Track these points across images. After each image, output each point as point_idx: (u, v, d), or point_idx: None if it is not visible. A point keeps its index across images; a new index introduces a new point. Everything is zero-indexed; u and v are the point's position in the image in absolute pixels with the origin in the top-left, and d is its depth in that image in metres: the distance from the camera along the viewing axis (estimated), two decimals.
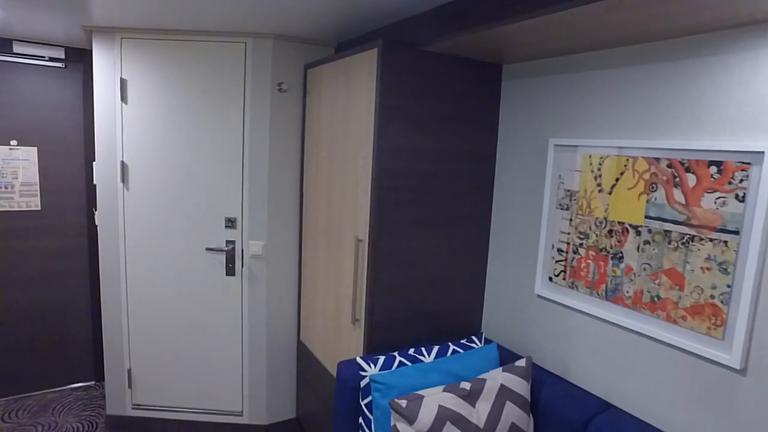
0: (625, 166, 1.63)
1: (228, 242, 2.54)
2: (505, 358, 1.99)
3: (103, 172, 2.47)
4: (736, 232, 1.38)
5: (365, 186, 1.94)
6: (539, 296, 1.98)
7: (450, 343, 1.97)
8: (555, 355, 1.91)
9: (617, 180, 1.65)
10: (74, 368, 3.21)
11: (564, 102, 1.85)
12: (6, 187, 2.82)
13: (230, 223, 2.53)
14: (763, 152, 1.31)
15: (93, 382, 3.28)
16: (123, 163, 2.46)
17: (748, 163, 1.35)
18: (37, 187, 2.91)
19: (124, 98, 2.40)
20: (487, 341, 2.10)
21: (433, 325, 2.13)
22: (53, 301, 3.07)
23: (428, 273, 2.07)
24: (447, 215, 2.07)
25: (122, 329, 2.61)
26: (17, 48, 2.73)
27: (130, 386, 2.65)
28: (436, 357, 1.90)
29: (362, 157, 1.96)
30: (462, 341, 2.00)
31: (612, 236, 1.68)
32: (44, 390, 3.15)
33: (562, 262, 1.87)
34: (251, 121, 2.45)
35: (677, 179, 1.49)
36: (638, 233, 1.60)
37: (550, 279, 1.92)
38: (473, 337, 2.04)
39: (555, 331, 1.92)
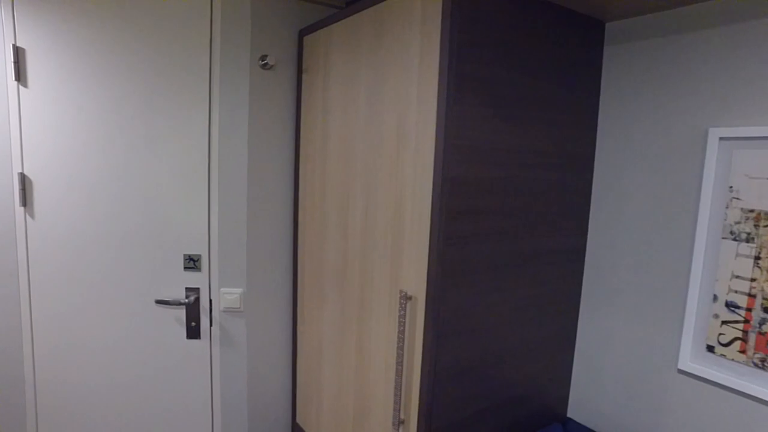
0: None
1: (189, 291, 1.73)
2: None
3: None
4: None
5: (418, 210, 1.19)
6: (685, 373, 1.28)
7: None
8: None
9: None
10: None
11: (737, 70, 1.16)
12: None
13: (192, 263, 1.72)
14: None
15: None
16: (23, 177, 1.62)
17: None
18: None
19: (20, 78, 1.57)
20: None
21: (512, 415, 1.40)
22: None
23: (510, 340, 1.34)
24: (536, 250, 1.35)
25: (26, 425, 1.75)
26: None
27: None
28: None
29: (411, 163, 1.21)
30: None
31: None
32: None
33: (740, 325, 1.17)
34: (222, 112, 1.66)
35: None
36: None
37: (711, 349, 1.23)
38: None
39: (714, 428, 1.22)
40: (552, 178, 1.36)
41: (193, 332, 1.76)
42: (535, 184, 1.32)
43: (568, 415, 1.57)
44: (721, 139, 1.19)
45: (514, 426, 1.41)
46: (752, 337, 1.15)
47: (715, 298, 1.21)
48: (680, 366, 1.28)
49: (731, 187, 1.17)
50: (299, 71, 1.76)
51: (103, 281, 1.69)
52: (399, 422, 1.27)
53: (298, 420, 1.88)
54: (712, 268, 1.21)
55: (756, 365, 1.15)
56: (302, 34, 1.73)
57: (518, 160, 1.27)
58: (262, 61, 1.69)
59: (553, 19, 1.28)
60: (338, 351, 1.57)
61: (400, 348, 1.24)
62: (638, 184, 1.37)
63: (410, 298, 1.22)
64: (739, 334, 1.17)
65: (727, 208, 1.18)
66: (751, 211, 1.14)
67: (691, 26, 1.24)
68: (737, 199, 1.17)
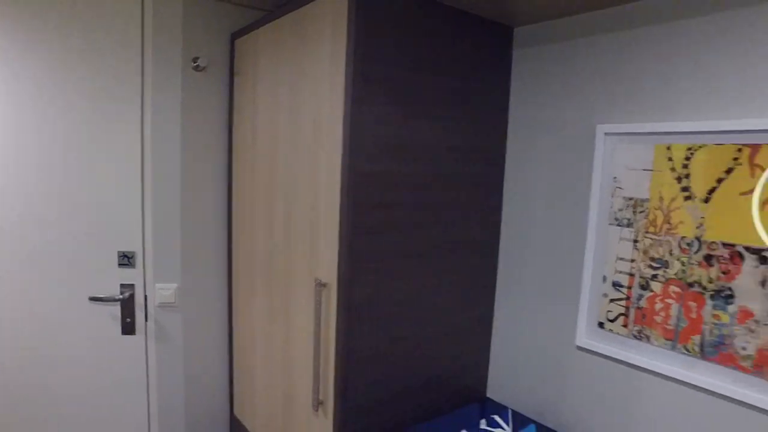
0: (736, 159, 1.08)
1: (124, 287, 1.77)
2: None
3: None
4: None
5: (330, 203, 1.27)
6: (582, 348, 1.40)
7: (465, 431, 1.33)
8: (608, 429, 1.34)
9: (720, 181, 1.10)
10: None
11: (620, 72, 1.29)
12: None
13: (126, 259, 1.76)
14: None
15: None
16: None
17: None
18: None
19: None
20: (517, 420, 1.48)
21: (430, 396, 1.49)
22: None
23: (425, 325, 1.43)
24: (452, 240, 1.45)
25: None
26: None
27: None
28: None
29: (324, 159, 1.29)
30: (483, 426, 1.38)
31: (711, 265, 1.13)
32: None
33: (622, 302, 1.30)
34: (154, 112, 1.71)
35: None
36: (763, 260, 1.05)
37: (601, 325, 1.35)
38: (496, 418, 1.42)
39: (610, 399, 1.34)
40: (465, 172, 1.46)
41: (128, 328, 1.79)
42: (448, 178, 1.42)
43: (488, 395, 1.67)
44: (606, 134, 1.31)
45: (433, 406, 1.51)
46: (632, 312, 1.27)
47: (605, 279, 1.33)
48: (578, 342, 1.40)
49: (615, 177, 1.30)
50: (232, 73, 1.82)
51: (35, 280, 1.71)
52: (318, 404, 1.35)
53: (236, 412, 1.93)
54: (602, 252, 1.34)
55: (635, 337, 1.27)
56: (234, 37, 1.80)
57: (430, 155, 1.36)
58: (194, 62, 1.74)
59: (462, 24, 1.38)
60: (268, 341, 1.63)
61: (317, 333, 1.32)
62: (542, 177, 1.49)
63: (325, 285, 1.30)
64: (623, 310, 1.29)
65: (612, 196, 1.31)
66: (630, 199, 1.27)
67: (584, 32, 1.37)
68: (620, 188, 1.29)
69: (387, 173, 1.27)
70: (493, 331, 1.65)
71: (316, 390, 1.34)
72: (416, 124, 1.32)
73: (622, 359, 1.30)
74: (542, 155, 1.48)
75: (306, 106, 1.37)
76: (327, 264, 1.29)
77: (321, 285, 1.30)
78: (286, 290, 1.50)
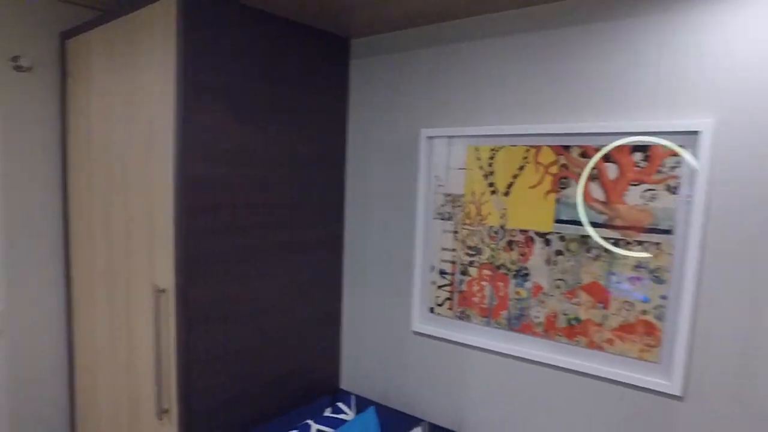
0: (525, 158, 1.28)
1: None
2: (389, 423, 1.49)
3: None
4: (670, 232, 1.11)
5: (164, 208, 1.27)
6: (417, 333, 1.54)
7: (310, 421, 1.40)
8: (446, 406, 1.49)
9: (515, 177, 1.30)
10: None
11: (438, 81, 1.45)
12: None
13: None
14: (698, 132, 1.06)
15: None
16: None
17: (680, 147, 1.09)
18: None
19: None
20: (361, 405, 1.57)
21: (280, 393, 1.53)
22: None
23: (270, 324, 1.47)
24: (291, 242, 1.51)
25: None
26: None
27: None
28: None
29: (157, 164, 1.29)
30: (327, 413, 1.45)
31: (513, 249, 1.32)
32: None
33: (447, 288, 1.45)
34: None
35: (594, 171, 1.19)
36: (547, 242, 1.26)
37: (432, 310, 1.50)
38: (340, 405, 1.50)
39: (444, 376, 1.49)
40: (306, 175, 1.54)
41: None
42: (289, 181, 1.48)
43: (342, 386, 1.76)
44: (428, 137, 1.47)
45: (286, 403, 1.55)
46: (456, 296, 1.44)
47: (433, 268, 1.48)
48: (413, 328, 1.53)
49: (437, 176, 1.46)
50: (64, 75, 1.71)
51: None
52: (162, 411, 1.32)
53: (78, 429, 1.81)
54: (430, 244, 1.49)
55: (459, 318, 1.44)
56: (65, 36, 1.69)
57: (270, 159, 1.41)
58: (15, 62, 1.61)
59: (299, 35, 1.45)
60: (112, 351, 1.56)
61: (158, 341, 1.30)
62: (378, 178, 1.61)
63: (163, 291, 1.29)
64: (449, 295, 1.45)
65: (435, 193, 1.46)
66: (449, 195, 1.43)
67: (411, 45, 1.51)
68: (441, 186, 1.45)
69: (222, 177, 1.30)
70: (343, 324, 1.74)
71: (159, 398, 1.31)
72: (254, 129, 1.36)
73: (451, 339, 1.46)
74: (378, 157, 1.61)
75: (139, 112, 1.34)
76: (164, 270, 1.28)
77: (159, 291, 1.29)
78: (127, 299, 1.45)
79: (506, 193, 1.32)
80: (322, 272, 1.63)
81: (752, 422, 1.05)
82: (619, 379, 1.19)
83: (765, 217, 1.01)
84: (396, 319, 1.59)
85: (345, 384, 1.75)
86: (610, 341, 1.20)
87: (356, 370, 1.72)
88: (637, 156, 1.13)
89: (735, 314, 1.05)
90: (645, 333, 1.16)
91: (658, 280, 1.13)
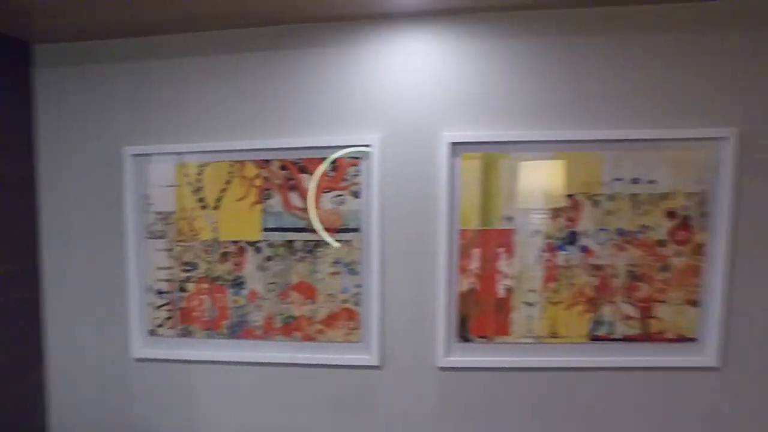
0: (231, 173, 1.34)
1: None
2: None
3: None
4: (357, 230, 1.32)
5: None
6: (139, 360, 1.46)
7: None
8: (178, 427, 1.45)
9: (223, 191, 1.35)
10: None
11: (141, 98, 1.40)
12: None
13: None
14: (369, 146, 1.29)
15: None
16: None
17: (359, 158, 1.30)
18: None
19: None
20: None
21: None
22: None
23: None
24: None
25: None
26: None
27: None
28: None
29: None
30: None
31: (227, 260, 1.37)
32: None
33: (167, 307, 1.42)
34: None
35: (292, 182, 1.33)
36: (258, 250, 1.35)
37: (152, 332, 1.44)
38: None
39: (172, 397, 1.45)
40: None
41: None
42: None
43: (51, 428, 1.53)
44: (134, 155, 1.40)
45: None
46: (176, 314, 1.42)
47: (149, 289, 1.43)
48: (134, 354, 1.45)
49: (145, 195, 1.41)
50: None
51: None
52: None
53: None
54: (143, 264, 1.42)
55: (182, 335, 1.42)
56: None
57: None
58: None
59: None
60: None
61: None
62: (81, 201, 1.46)
63: None
64: (168, 314, 1.42)
65: (145, 212, 1.41)
66: (160, 213, 1.40)
67: (106, 58, 1.41)
68: (150, 204, 1.40)
69: None
70: (48, 363, 1.52)
71: None
72: None
73: (175, 358, 1.42)
74: (78, 179, 1.46)
75: None
76: None
77: None
78: None
79: (216, 207, 1.36)
80: (15, 312, 1.40)
81: (445, 377, 1.33)
82: (333, 363, 1.36)
83: (418, 217, 1.29)
84: (113, 348, 1.47)
85: (58, 428, 1.53)
86: (321, 331, 1.35)
87: (70, 409, 1.52)
88: (327, 167, 1.31)
89: (408, 293, 1.32)
90: (348, 318, 1.34)
91: (353, 272, 1.33)
